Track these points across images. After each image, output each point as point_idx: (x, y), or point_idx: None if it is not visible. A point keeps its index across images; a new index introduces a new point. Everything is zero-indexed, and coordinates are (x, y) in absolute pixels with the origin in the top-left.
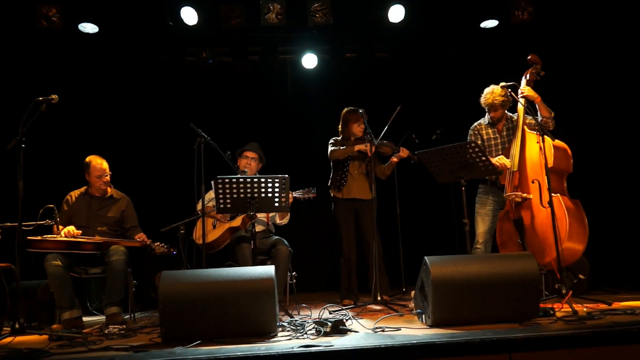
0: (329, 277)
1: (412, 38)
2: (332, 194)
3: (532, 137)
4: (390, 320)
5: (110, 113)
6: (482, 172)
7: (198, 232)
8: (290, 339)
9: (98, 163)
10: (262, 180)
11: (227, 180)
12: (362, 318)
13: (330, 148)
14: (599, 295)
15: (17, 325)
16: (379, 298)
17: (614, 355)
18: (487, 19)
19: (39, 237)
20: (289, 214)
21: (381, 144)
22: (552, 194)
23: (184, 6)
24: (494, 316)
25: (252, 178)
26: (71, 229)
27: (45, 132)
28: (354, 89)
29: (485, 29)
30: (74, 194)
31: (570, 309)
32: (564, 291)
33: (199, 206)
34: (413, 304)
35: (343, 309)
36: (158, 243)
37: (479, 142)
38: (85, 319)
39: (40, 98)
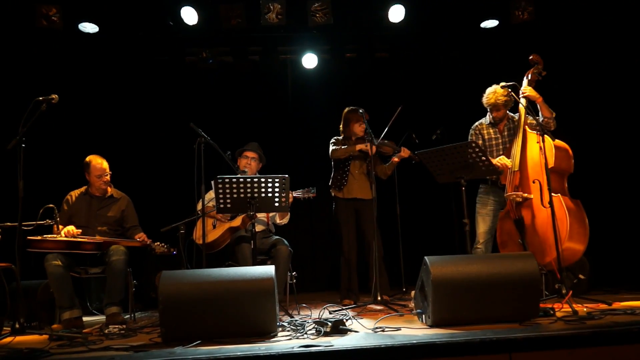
0: (329, 277)
1: (412, 38)
2: (332, 194)
3: (533, 137)
4: (390, 320)
5: (111, 113)
6: (483, 172)
7: (198, 232)
8: (290, 339)
9: (98, 163)
10: (262, 180)
11: (227, 180)
12: (362, 318)
13: (331, 147)
14: (599, 295)
15: (17, 325)
16: (379, 298)
17: (614, 355)
18: (487, 19)
19: (39, 237)
20: (289, 213)
21: (382, 144)
22: (553, 194)
23: (184, 6)
24: (494, 316)
25: (252, 178)
26: (71, 228)
27: (45, 132)
28: (354, 89)
29: (485, 29)
30: (74, 193)
31: (570, 309)
32: (564, 291)
33: (199, 206)
34: (413, 304)
35: (343, 309)
36: (158, 243)
37: (480, 142)
38: (85, 318)
39: (41, 98)
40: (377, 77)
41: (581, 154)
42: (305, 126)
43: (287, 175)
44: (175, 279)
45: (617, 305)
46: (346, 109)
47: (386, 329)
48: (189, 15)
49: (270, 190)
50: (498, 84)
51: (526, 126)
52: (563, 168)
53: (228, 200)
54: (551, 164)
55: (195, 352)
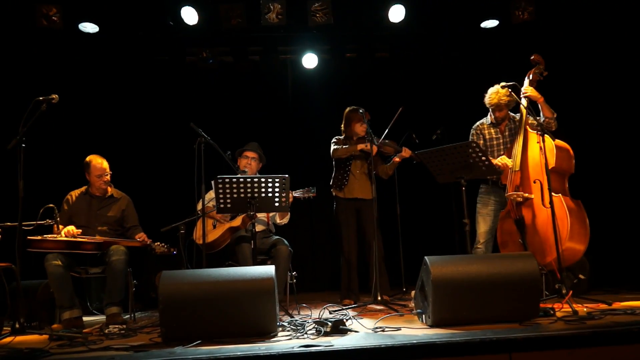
0: (329, 277)
1: (412, 38)
2: (333, 193)
3: (534, 137)
4: (390, 320)
5: (111, 113)
6: (483, 172)
7: (198, 232)
8: (290, 339)
9: (98, 162)
10: (262, 180)
11: (227, 180)
12: (362, 318)
13: (332, 147)
14: (599, 295)
15: (17, 325)
16: (379, 298)
17: (614, 355)
18: (488, 19)
19: (39, 237)
20: (289, 213)
21: (384, 144)
22: (554, 194)
23: (184, 6)
24: (494, 316)
25: (252, 178)
26: (71, 228)
27: (46, 132)
28: (354, 89)
29: (485, 29)
30: (74, 193)
31: (570, 309)
32: (564, 291)
33: (199, 206)
34: (413, 304)
35: (343, 309)
36: (158, 243)
37: (481, 142)
38: (85, 318)
39: (41, 98)
40: (377, 77)
41: (582, 154)
42: (305, 126)
43: (287, 175)
44: (176, 279)
45: (617, 305)
46: (347, 109)
47: (386, 329)
48: (189, 15)
49: (270, 190)
50: (498, 84)
51: (527, 126)
52: (564, 168)
53: (228, 200)
54: (552, 164)
55: (196, 352)
